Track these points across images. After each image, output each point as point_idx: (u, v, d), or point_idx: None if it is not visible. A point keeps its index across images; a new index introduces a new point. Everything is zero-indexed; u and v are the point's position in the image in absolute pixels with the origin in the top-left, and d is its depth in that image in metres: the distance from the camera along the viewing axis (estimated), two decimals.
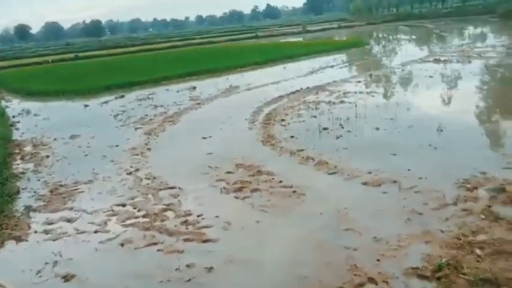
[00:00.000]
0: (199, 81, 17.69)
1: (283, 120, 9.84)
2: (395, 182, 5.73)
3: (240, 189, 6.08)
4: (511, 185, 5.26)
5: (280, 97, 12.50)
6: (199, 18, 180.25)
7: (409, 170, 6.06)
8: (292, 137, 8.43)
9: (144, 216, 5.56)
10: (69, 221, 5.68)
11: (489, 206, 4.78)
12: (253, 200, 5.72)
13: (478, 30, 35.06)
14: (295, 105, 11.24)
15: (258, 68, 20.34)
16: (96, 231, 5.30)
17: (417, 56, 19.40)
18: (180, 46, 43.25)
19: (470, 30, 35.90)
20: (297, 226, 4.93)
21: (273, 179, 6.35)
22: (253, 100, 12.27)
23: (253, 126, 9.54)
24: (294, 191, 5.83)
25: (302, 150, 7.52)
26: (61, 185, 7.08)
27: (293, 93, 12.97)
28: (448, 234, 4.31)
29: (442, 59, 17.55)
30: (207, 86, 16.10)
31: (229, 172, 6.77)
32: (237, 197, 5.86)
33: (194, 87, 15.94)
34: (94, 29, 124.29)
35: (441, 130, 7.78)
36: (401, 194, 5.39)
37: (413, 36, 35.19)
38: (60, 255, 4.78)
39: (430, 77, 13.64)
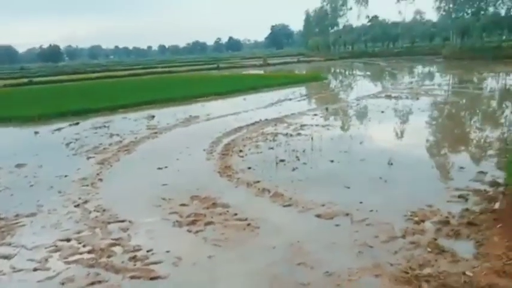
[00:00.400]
0: (158, 110, 17.49)
1: (241, 151, 9.87)
2: (347, 214, 5.84)
3: (193, 223, 5.93)
4: (454, 218, 5.52)
5: (240, 128, 12.59)
6: (162, 48, 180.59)
7: (361, 202, 6.21)
8: (249, 168, 8.44)
9: (89, 252, 5.24)
10: (5, 257, 5.24)
11: (435, 239, 4.96)
12: (206, 233, 5.58)
13: (426, 69, 37.70)
14: (254, 137, 11.34)
15: (218, 99, 20.50)
16: (35, 269, 4.92)
17: (371, 92, 20.43)
18: (141, 74, 42.87)
19: (419, 69, 38.53)
20: (250, 261, 4.84)
21: (228, 211, 6.27)
22: (212, 130, 12.26)
23: (211, 157, 9.47)
24: (249, 224, 5.77)
25: (258, 181, 7.53)
26: (0, 218, 6.57)
27: (252, 124, 13.12)
28: (396, 268, 4.39)
29: (393, 95, 18.58)
30: (166, 115, 15.93)
31: (183, 204, 6.61)
32: (190, 231, 5.70)
33: (153, 116, 15.73)
34: (51, 54, 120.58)
35: (391, 163, 8.11)
36: (353, 227, 5.48)
37: (368, 73, 37.15)
38: None
39: (382, 112, 14.34)
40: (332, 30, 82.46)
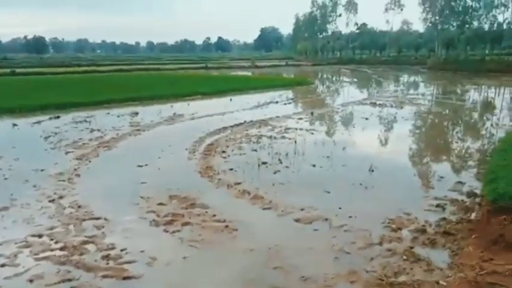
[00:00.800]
0: (143, 107, 17.28)
1: (224, 152, 9.79)
2: (326, 219, 5.83)
3: (170, 223, 5.82)
4: (431, 226, 5.57)
5: (224, 128, 12.51)
6: (150, 45, 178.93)
7: (340, 208, 6.21)
8: (231, 169, 8.37)
9: (61, 249, 5.09)
10: None
11: (411, 247, 4.99)
12: (183, 234, 5.48)
13: (411, 78, 38.34)
14: (238, 138, 11.28)
15: (204, 99, 20.37)
16: (3, 265, 4.74)
17: (356, 98, 20.63)
18: (127, 70, 42.33)
19: (405, 78, 39.16)
20: (227, 263, 4.77)
21: (206, 212, 6.19)
22: (196, 130, 12.15)
23: (192, 157, 9.37)
24: (227, 226, 5.70)
25: (239, 183, 7.47)
26: None
27: (237, 125, 13.06)
28: (372, 275, 4.39)
29: (378, 102, 18.79)
30: (150, 112, 15.73)
31: (161, 204, 6.50)
32: (166, 231, 5.60)
33: (136, 113, 15.50)
34: (36, 45, 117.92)
35: (372, 170, 8.16)
36: (332, 232, 5.47)
37: (354, 79, 37.56)
38: None
39: (366, 118, 14.47)
40: (321, 36, 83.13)
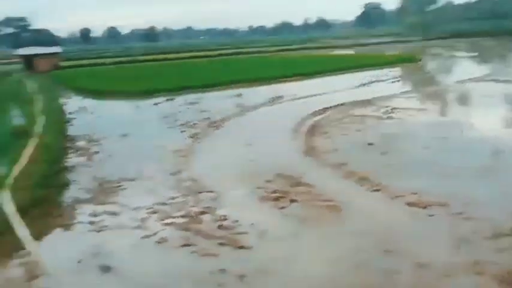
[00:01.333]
0: (245, 89, 17.87)
1: (327, 132, 9.67)
2: (443, 205, 5.39)
3: (277, 199, 6.00)
4: None
5: (326, 109, 12.31)
6: (251, 28, 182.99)
7: (459, 193, 5.69)
8: (335, 150, 8.24)
9: (182, 216, 5.63)
10: (112, 215, 5.88)
11: None
12: (290, 210, 5.62)
13: None
14: (341, 118, 11.02)
15: (305, 79, 20.23)
16: (136, 227, 5.45)
17: (475, 75, 18.39)
18: (230, 54, 44.13)
19: None
20: (335, 243, 4.76)
21: (312, 191, 6.22)
22: (298, 110, 12.18)
23: (296, 137, 9.44)
24: (334, 206, 5.66)
25: (345, 164, 7.32)
26: (107, 181, 7.36)
27: (340, 105, 12.73)
28: (502, 268, 3.95)
29: (501, 79, 16.51)
30: (253, 94, 16.24)
31: (268, 181, 6.72)
32: (274, 207, 5.79)
33: (240, 95, 16.13)
34: (150, 34, 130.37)
35: (498, 154, 7.26)
36: (450, 219, 5.06)
37: (472, 54, 33.46)
38: (101, 247, 4.95)
39: (488, 97, 12.84)
40: (431, 8, 75.42)
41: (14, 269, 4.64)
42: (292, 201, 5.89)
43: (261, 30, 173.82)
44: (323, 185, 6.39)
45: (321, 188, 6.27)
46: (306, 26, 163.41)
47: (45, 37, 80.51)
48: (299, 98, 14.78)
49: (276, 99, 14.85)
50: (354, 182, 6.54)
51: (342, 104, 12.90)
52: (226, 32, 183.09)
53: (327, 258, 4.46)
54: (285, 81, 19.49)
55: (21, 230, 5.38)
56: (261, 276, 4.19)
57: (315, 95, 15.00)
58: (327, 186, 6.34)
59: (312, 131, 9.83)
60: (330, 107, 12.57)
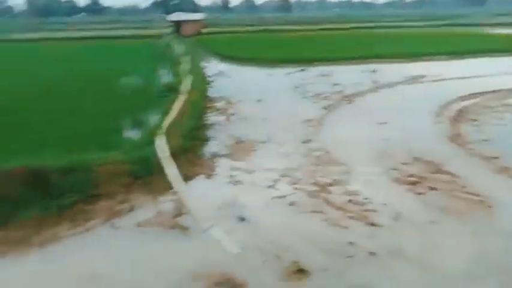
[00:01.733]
0: (380, 65, 16.86)
1: (475, 120, 8.60)
2: None
3: (414, 183, 5.64)
4: None
5: (475, 94, 10.88)
6: (388, 1, 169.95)
7: None
8: (485, 140, 7.30)
9: (312, 184, 5.73)
10: (246, 172, 6.30)
11: None
12: (429, 198, 5.24)
13: None
14: (493, 106, 9.65)
15: (450, 59, 18.11)
16: (268, 187, 5.75)
17: None
18: (363, 28, 41.91)
19: None
20: (480, 240, 4.31)
21: (455, 181, 5.67)
22: (441, 93, 11.04)
23: (438, 121, 8.62)
24: (481, 201, 5.08)
25: (496, 157, 6.45)
26: (241, 141, 7.86)
27: (492, 92, 11.12)
28: None
29: None
30: (388, 71, 15.25)
31: (404, 163, 6.34)
32: (410, 191, 5.46)
33: (374, 71, 15.31)
34: (284, 6, 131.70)
35: None
36: None
37: None
38: (237, 199, 5.38)
39: None
40: None
41: (164, 205, 5.35)
42: (431, 188, 5.47)
43: (399, 3, 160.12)
44: (469, 177, 5.76)
45: (467, 180, 5.67)
46: (454, 0, 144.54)
47: (188, 5, 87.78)
48: (442, 80, 13.35)
49: (416, 78, 13.69)
50: (507, 178, 5.75)
51: (496, 91, 11.24)
52: (361, 5, 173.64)
53: (470, 255, 4.08)
54: (426, 60, 17.76)
55: (172, 173, 6.15)
56: (393, 258, 4.06)
57: (462, 78, 13.35)
58: (474, 179, 5.70)
59: (459, 116, 8.84)
60: (481, 92, 11.08)
